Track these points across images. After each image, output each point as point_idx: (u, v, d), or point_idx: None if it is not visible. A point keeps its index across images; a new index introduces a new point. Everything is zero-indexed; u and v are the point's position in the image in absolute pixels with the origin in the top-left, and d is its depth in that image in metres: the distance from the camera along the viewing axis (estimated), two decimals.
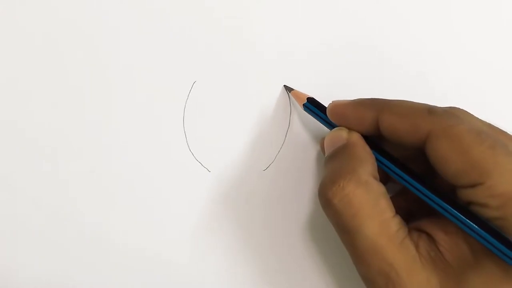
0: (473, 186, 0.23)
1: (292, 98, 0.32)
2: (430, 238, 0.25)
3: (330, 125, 0.29)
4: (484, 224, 0.23)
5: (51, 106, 0.32)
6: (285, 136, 0.32)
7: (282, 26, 0.32)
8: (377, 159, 0.26)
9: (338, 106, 0.28)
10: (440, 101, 0.27)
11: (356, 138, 0.27)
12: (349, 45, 0.33)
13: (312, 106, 0.30)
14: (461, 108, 0.26)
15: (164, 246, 0.32)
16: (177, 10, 0.32)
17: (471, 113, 0.26)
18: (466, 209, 0.23)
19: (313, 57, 0.32)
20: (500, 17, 0.33)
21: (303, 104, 0.30)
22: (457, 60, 0.33)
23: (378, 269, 0.24)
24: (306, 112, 0.30)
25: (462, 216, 0.23)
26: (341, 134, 0.27)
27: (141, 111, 0.32)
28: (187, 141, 0.32)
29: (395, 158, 0.26)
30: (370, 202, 0.24)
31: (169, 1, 0.32)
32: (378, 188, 0.25)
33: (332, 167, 0.26)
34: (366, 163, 0.26)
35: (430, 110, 0.24)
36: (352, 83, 0.32)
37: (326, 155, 0.28)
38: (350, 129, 0.27)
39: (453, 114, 0.24)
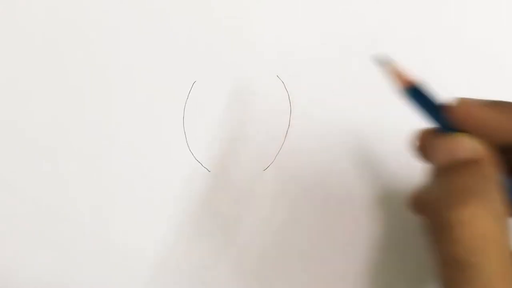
0: None
1: (389, 76, 0.25)
2: None
3: (443, 126, 0.24)
4: None
5: (51, 106, 0.32)
6: (285, 136, 0.32)
7: (282, 26, 0.32)
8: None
9: (471, 106, 0.23)
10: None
11: (489, 153, 0.22)
12: (349, 45, 0.33)
13: (418, 96, 0.24)
14: None
15: (164, 246, 0.32)
16: (177, 10, 0.32)
17: None
18: None
19: (313, 57, 0.32)
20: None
21: (406, 90, 0.24)
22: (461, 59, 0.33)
23: None
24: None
25: None
26: (469, 144, 0.22)
27: (141, 111, 0.32)
28: (187, 141, 0.32)
29: None
30: (497, 234, 0.20)
31: (169, 1, 0.32)
32: (506, 219, 0.21)
33: (460, 185, 0.22)
34: (497, 186, 0.21)
35: None
36: (353, 83, 0.32)
37: (437, 164, 0.23)
38: (476, 137, 0.23)
39: None
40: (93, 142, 0.32)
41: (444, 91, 0.33)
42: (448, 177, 0.22)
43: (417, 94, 0.24)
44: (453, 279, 0.21)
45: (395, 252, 0.33)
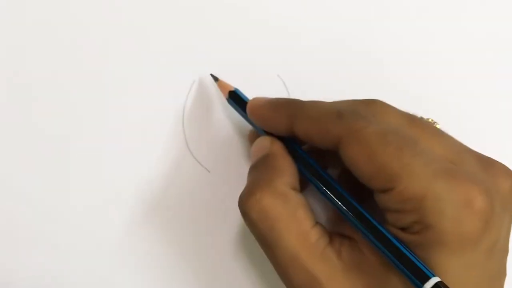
0: (385, 191, 0.22)
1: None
2: (353, 242, 0.24)
3: (255, 127, 0.27)
4: (389, 240, 0.22)
5: (51, 105, 0.32)
6: None
7: (282, 25, 0.32)
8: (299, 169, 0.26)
9: (256, 105, 0.27)
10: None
11: (277, 148, 0.26)
12: (349, 45, 0.33)
13: (234, 101, 0.28)
14: (379, 101, 0.24)
15: (164, 247, 0.32)
16: (177, 10, 0.32)
17: (388, 106, 0.24)
18: (372, 224, 0.22)
19: (313, 57, 0.32)
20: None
21: (227, 98, 0.29)
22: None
23: (300, 282, 0.23)
24: None
25: (368, 232, 0.22)
26: (265, 143, 0.26)
27: (141, 111, 0.32)
28: (186, 141, 0.32)
29: (315, 167, 0.25)
30: (287, 214, 0.24)
31: (168, 1, 0.32)
32: (296, 199, 0.24)
33: (252, 179, 0.25)
34: (285, 174, 0.25)
35: (338, 113, 0.23)
36: (353, 82, 0.32)
37: (250, 165, 0.27)
38: (268, 131, 0.26)
39: (361, 116, 0.23)
40: (92, 142, 0.32)
41: (442, 93, 0.34)
42: (249, 174, 0.26)
43: (236, 99, 0.28)
44: (268, 258, 0.24)
45: None
